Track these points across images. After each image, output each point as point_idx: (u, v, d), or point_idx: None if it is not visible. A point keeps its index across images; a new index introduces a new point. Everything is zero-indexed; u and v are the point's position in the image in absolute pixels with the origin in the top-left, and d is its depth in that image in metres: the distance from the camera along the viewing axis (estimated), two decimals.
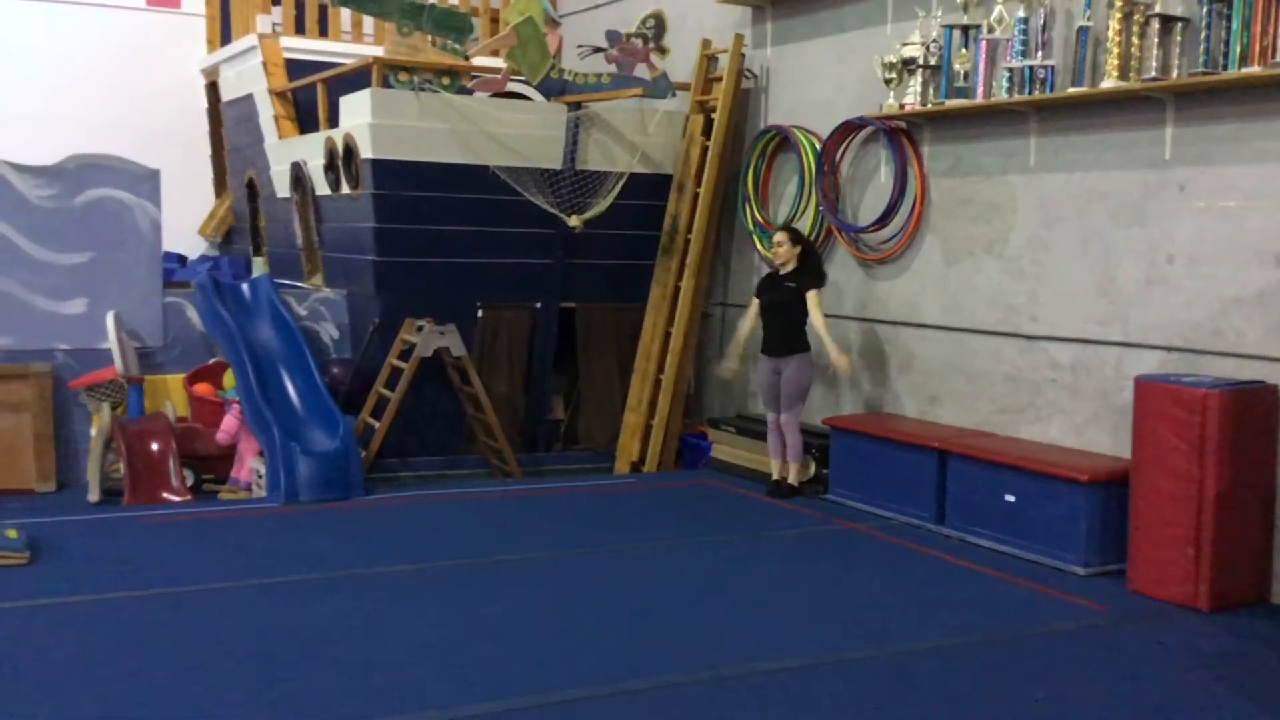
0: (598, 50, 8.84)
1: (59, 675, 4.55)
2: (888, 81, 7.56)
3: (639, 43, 8.72)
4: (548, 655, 4.90)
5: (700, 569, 6.25)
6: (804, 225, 8.50)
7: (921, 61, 7.37)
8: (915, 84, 7.43)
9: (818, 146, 8.38)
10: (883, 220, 7.91)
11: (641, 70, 8.74)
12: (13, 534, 6.15)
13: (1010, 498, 6.55)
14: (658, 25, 8.71)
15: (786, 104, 8.83)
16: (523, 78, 8.78)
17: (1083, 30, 6.46)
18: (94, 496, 7.40)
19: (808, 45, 8.62)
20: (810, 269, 7.81)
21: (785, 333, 7.80)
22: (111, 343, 7.84)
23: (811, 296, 7.69)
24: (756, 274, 9.09)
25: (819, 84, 8.52)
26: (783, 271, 7.83)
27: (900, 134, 7.78)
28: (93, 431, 7.63)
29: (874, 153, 8.08)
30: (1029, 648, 5.11)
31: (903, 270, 7.90)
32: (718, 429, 8.86)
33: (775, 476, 7.94)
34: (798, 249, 7.81)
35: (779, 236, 7.89)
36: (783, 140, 8.76)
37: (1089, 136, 6.69)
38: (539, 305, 8.94)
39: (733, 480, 8.40)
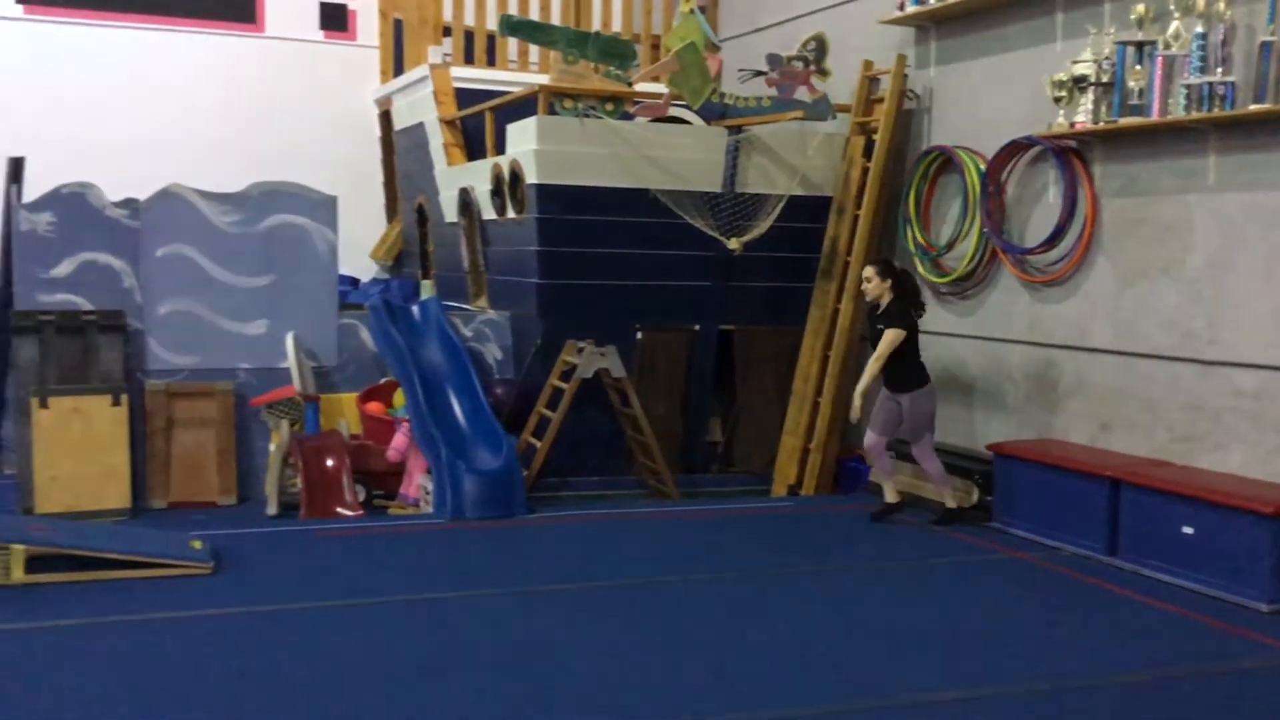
0: (759, 74, 8.87)
1: (238, 683, 4.76)
2: (1057, 100, 7.39)
3: (800, 65, 8.72)
4: (705, 678, 4.91)
5: (859, 595, 6.18)
6: (967, 247, 8.36)
7: (1093, 79, 7.17)
8: (1087, 102, 7.24)
9: (982, 167, 8.23)
10: (1051, 241, 7.72)
11: (802, 93, 8.73)
12: (197, 545, 6.48)
13: (1188, 529, 6.30)
14: (819, 48, 8.70)
15: (950, 124, 8.70)
16: (684, 102, 8.86)
17: (1265, 45, 6.21)
18: (272, 510, 7.72)
19: (973, 65, 8.48)
20: (896, 307, 7.53)
21: (891, 371, 7.58)
22: (290, 362, 8.19)
23: (886, 335, 7.42)
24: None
25: (984, 103, 8.37)
26: (879, 310, 7.64)
27: (1070, 153, 7.59)
28: (272, 447, 7.96)
29: (1042, 173, 7.90)
30: (1208, 686, 4.90)
31: (1072, 292, 7.68)
32: None
33: (887, 499, 7.82)
34: (888, 283, 7.55)
35: (867, 271, 7.65)
36: (946, 161, 8.64)
37: (1274, 154, 6.41)
38: (697, 327, 8.99)
39: None
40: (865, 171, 8.91)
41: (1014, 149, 7.98)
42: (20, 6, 11.12)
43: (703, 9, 8.74)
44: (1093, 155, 7.52)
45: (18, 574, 5.90)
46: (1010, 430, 8.11)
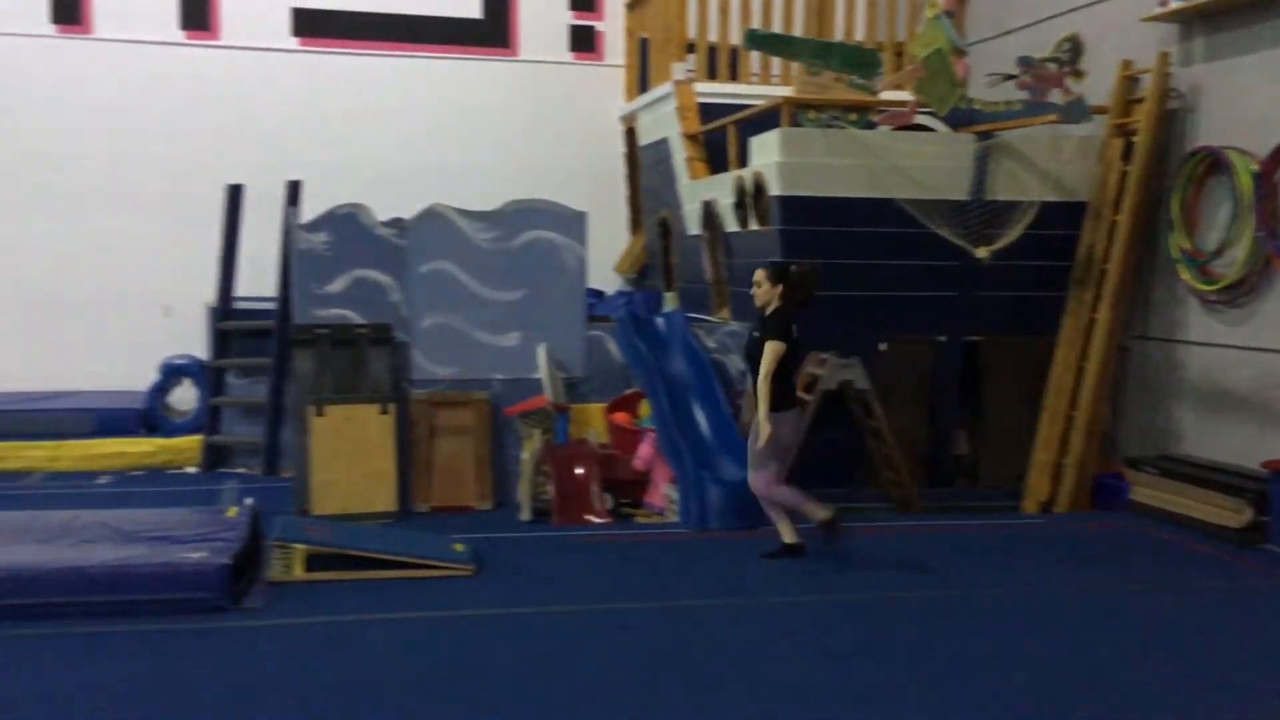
0: (1009, 77, 8.63)
1: (499, 681, 4.98)
2: None
3: (1053, 67, 8.44)
4: (946, 698, 4.82)
5: (1115, 618, 5.92)
6: (1238, 252, 7.89)
7: None
8: None
9: (1255, 168, 7.75)
10: None
11: (1055, 95, 8.44)
12: (459, 548, 6.80)
13: None
14: (1074, 48, 8.41)
15: (1218, 123, 8.23)
16: (930, 109, 8.71)
17: None
18: (525, 515, 8.02)
19: (1244, 60, 8.00)
20: (777, 318, 6.85)
21: (754, 385, 6.94)
22: (542, 373, 8.49)
23: (767, 350, 6.75)
24: (1180, 306, 8.54)
25: (1257, 101, 7.88)
26: (763, 316, 7.02)
27: None
28: (524, 455, 8.26)
29: None
30: None
31: None
32: (1137, 470, 8.36)
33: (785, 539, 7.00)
34: (778, 288, 6.88)
35: (757, 275, 6.97)
36: (1214, 162, 8.18)
37: None
38: (943, 338, 8.81)
39: (1155, 524, 7.89)
40: (1124, 175, 8.55)
41: None
42: (296, 39, 11.95)
43: (949, 14, 8.55)
44: None
45: (298, 571, 6.35)
46: None
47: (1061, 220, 8.72)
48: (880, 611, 6.00)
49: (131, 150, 11.51)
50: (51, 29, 11.44)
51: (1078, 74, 8.44)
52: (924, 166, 8.50)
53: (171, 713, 4.61)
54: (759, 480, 6.94)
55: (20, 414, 9.97)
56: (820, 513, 6.96)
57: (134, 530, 6.33)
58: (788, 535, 7.01)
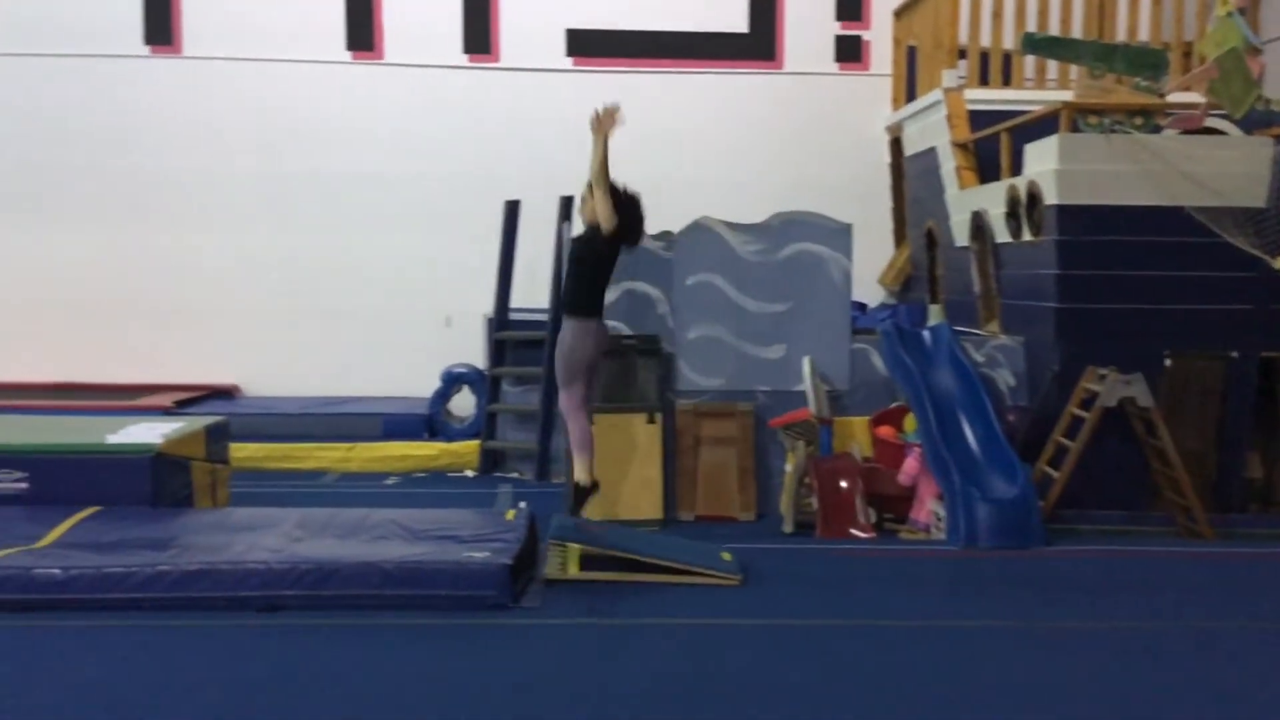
0: None
1: (765, 691, 5.00)
2: None
3: None
4: None
5: None
6: None
7: None
8: None
9: None
10: None
11: None
12: (727, 556, 6.89)
13: None
14: None
15: None
16: (1221, 112, 8.24)
17: None
18: (788, 528, 8.03)
19: None
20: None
21: (567, 288, 6.98)
22: (806, 385, 8.49)
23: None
24: None
25: None
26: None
27: None
28: (787, 467, 8.28)
29: None
30: None
31: None
32: None
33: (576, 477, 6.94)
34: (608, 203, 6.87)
35: (584, 191, 7.26)
36: None
37: None
38: (1235, 354, 8.30)
39: None
40: None
41: None
42: (569, 59, 12.39)
43: (1242, 10, 8.06)
44: None
45: (573, 570, 6.59)
46: None
47: None
48: (1160, 641, 5.70)
49: (416, 169, 12.18)
50: (347, 56, 12.28)
51: None
52: (1217, 172, 8.04)
53: (458, 703, 4.85)
54: (566, 399, 6.98)
55: (317, 418, 10.77)
56: (583, 474, 6.91)
57: (421, 529, 6.73)
58: (581, 473, 6.90)
